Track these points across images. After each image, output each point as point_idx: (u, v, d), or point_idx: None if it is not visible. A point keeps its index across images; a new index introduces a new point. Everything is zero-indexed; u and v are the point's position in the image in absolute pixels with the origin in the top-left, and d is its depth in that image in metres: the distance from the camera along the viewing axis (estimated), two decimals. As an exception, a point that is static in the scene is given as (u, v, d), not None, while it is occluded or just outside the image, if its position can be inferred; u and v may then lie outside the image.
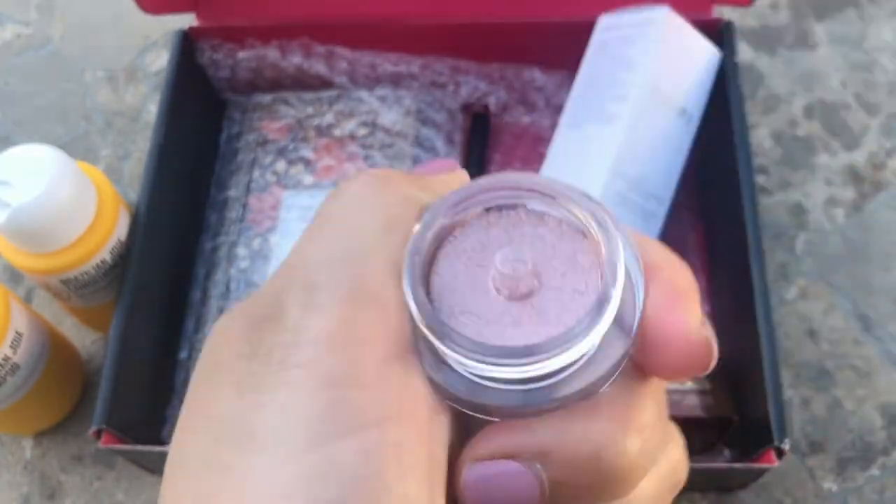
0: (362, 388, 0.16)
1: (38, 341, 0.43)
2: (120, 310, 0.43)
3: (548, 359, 0.17)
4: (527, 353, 0.17)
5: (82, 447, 0.47)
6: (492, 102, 0.54)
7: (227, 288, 0.49)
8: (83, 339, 0.50)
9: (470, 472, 0.18)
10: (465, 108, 0.54)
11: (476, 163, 0.53)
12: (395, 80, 0.54)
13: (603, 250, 0.18)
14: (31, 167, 0.39)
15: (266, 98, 0.55)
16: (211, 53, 0.53)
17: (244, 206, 0.52)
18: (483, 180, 0.19)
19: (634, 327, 0.18)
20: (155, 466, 0.45)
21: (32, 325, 0.43)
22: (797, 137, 0.54)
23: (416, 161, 0.51)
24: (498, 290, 0.18)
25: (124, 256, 0.44)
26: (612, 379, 0.18)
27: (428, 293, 0.18)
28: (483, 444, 0.18)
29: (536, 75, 0.54)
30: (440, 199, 0.19)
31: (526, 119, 0.54)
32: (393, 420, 0.16)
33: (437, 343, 0.17)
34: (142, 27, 0.60)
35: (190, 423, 0.17)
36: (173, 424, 0.45)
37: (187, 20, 0.52)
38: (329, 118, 0.54)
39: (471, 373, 0.17)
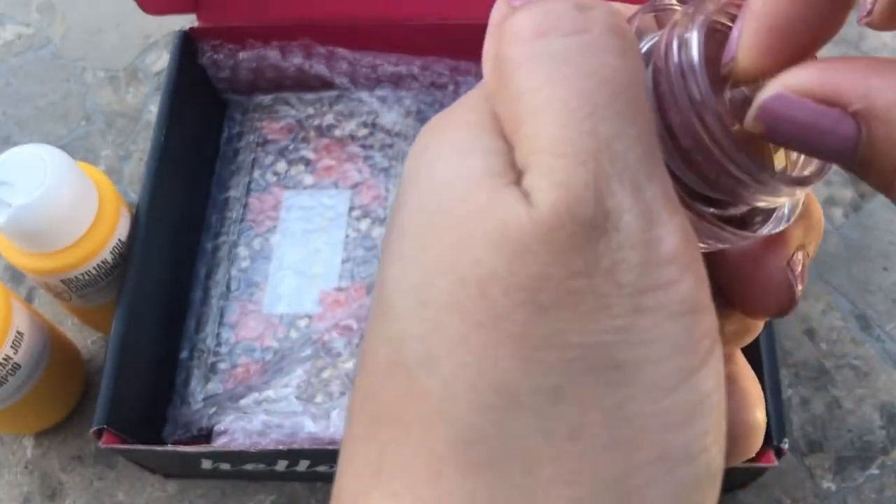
0: (707, 310, 0.15)
1: (39, 341, 0.43)
2: (121, 310, 0.43)
3: None
4: None
5: (83, 447, 0.47)
6: (492, 103, 0.54)
7: (228, 288, 0.49)
8: (84, 338, 0.50)
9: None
10: (465, 108, 0.54)
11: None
12: (396, 81, 0.54)
13: None
14: (32, 167, 0.40)
15: (267, 98, 0.55)
16: (212, 54, 0.53)
17: (245, 206, 0.52)
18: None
19: None
20: (155, 466, 0.45)
21: (33, 324, 0.43)
22: (796, 138, 0.54)
23: (416, 161, 0.51)
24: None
25: (125, 256, 0.44)
26: None
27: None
28: (784, 248, 0.19)
29: (536, 76, 0.54)
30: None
31: (526, 119, 0.54)
32: (718, 342, 0.15)
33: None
34: (143, 28, 0.60)
35: (509, 350, 0.14)
36: (174, 424, 0.46)
37: (188, 20, 0.52)
38: (329, 119, 0.54)
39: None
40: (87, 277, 0.43)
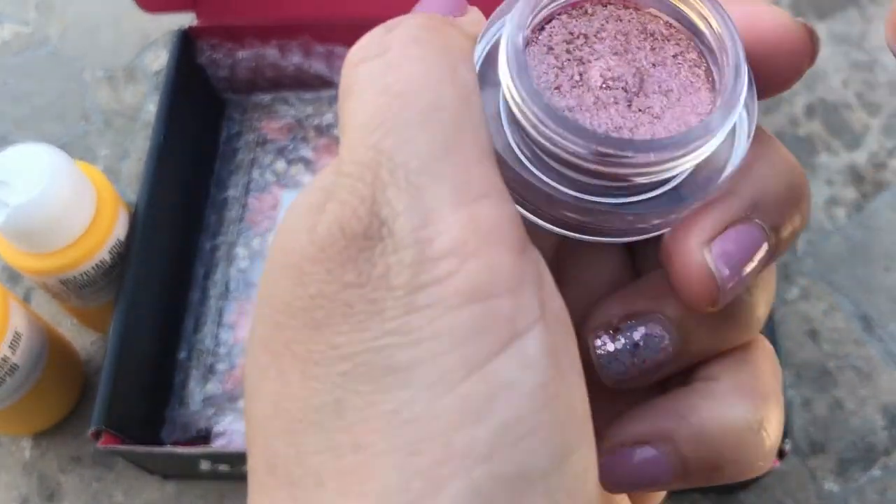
0: (506, 295, 0.14)
1: (37, 342, 0.43)
2: (119, 310, 0.43)
3: (693, 151, 0.16)
4: (674, 143, 0.16)
5: (81, 448, 0.47)
6: (492, 102, 0.54)
7: (227, 288, 0.49)
8: (82, 339, 0.50)
9: (716, 252, 0.17)
10: (466, 107, 0.54)
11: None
12: (395, 80, 0.54)
13: (724, 40, 0.17)
14: (29, 167, 0.39)
15: (266, 98, 0.55)
16: (210, 53, 0.53)
17: (243, 205, 0.51)
18: None
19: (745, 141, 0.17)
20: (154, 467, 0.45)
21: (31, 325, 0.43)
22: (798, 137, 0.54)
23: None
24: (603, 87, 0.17)
25: (123, 256, 0.44)
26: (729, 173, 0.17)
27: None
28: (703, 224, 0.17)
29: (537, 75, 0.54)
30: (511, 16, 0.17)
31: (526, 119, 0.54)
32: (541, 323, 0.14)
33: (559, 141, 0.16)
34: (141, 26, 0.60)
35: (297, 372, 0.15)
36: (172, 425, 0.45)
37: (187, 19, 0.52)
38: (329, 118, 0.54)
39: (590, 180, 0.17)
40: (85, 277, 0.43)
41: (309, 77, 0.54)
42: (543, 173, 0.17)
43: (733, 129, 0.17)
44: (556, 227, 0.18)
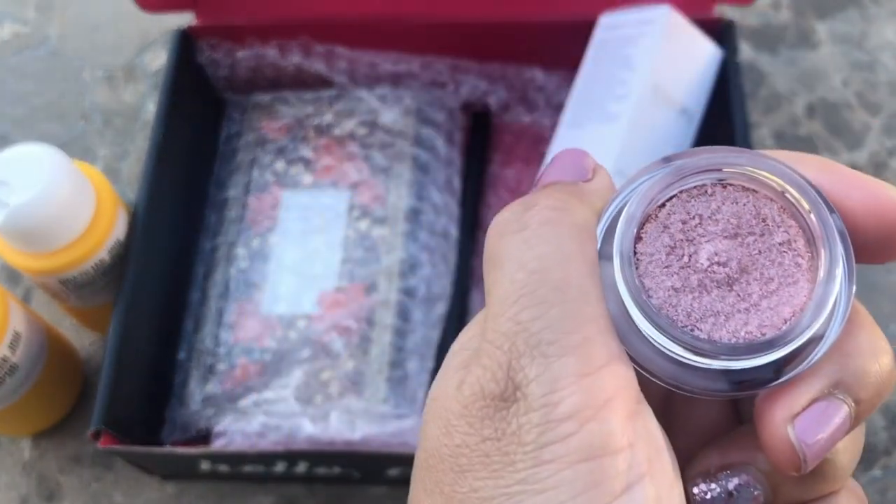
0: (617, 453, 0.17)
1: (36, 342, 0.43)
2: (118, 310, 0.43)
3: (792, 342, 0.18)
4: (771, 344, 0.18)
5: (81, 448, 0.47)
6: (492, 102, 0.54)
7: (227, 288, 0.49)
8: (82, 339, 0.50)
9: (799, 429, 0.18)
10: (466, 107, 0.54)
11: (476, 163, 0.53)
12: (395, 80, 0.54)
13: (818, 232, 0.19)
14: (28, 167, 0.39)
15: (265, 97, 0.55)
16: (210, 52, 0.52)
17: (243, 206, 0.51)
18: (676, 166, 0.20)
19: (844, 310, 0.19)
20: (154, 467, 0.45)
21: (31, 325, 0.43)
22: (799, 137, 0.54)
23: (415, 161, 0.51)
24: (709, 269, 0.19)
25: (123, 256, 0.44)
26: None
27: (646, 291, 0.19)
28: (790, 401, 0.18)
29: (537, 74, 0.53)
30: (632, 201, 0.19)
31: (526, 118, 0.54)
32: (648, 477, 0.17)
33: (674, 347, 0.18)
34: (140, 26, 0.60)
35: None
36: (172, 425, 0.45)
37: (186, 19, 0.52)
38: (329, 117, 0.53)
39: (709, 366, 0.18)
40: (84, 277, 0.43)
41: (309, 76, 0.54)
42: (653, 337, 0.19)
43: (832, 309, 0.18)
44: (664, 382, 0.19)
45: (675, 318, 0.19)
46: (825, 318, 0.18)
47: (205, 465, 0.43)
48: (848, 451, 0.20)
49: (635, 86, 0.45)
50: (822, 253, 0.18)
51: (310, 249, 0.49)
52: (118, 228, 0.43)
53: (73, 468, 0.47)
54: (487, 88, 0.54)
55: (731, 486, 0.20)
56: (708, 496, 0.20)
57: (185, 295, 0.49)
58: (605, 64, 0.48)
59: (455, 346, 0.20)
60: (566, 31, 0.51)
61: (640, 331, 0.19)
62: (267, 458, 0.41)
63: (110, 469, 0.46)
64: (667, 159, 0.20)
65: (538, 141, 0.53)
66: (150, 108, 0.57)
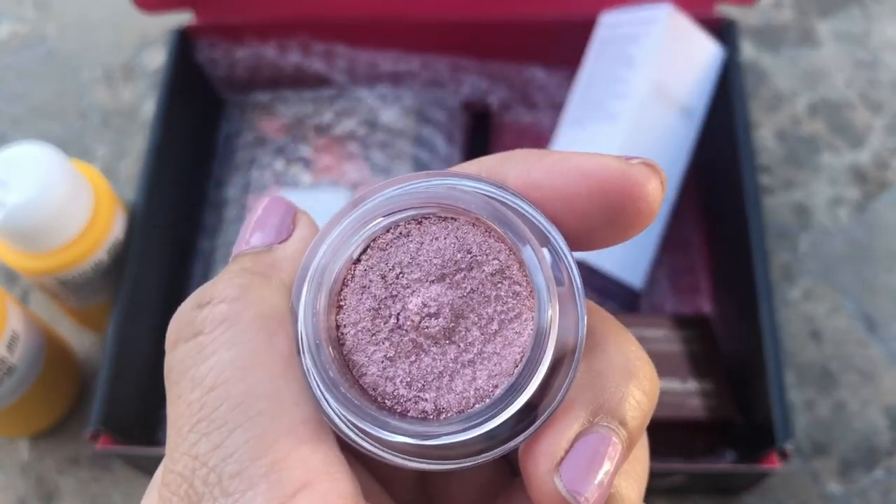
0: None
1: (34, 343, 0.43)
2: (117, 310, 0.43)
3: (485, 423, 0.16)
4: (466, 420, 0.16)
5: (79, 449, 0.47)
6: (493, 101, 0.54)
7: (226, 288, 0.49)
8: (80, 340, 0.50)
9: (566, 478, 0.16)
10: (466, 106, 0.54)
11: (476, 162, 0.53)
12: (395, 79, 0.53)
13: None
14: (26, 166, 0.39)
15: (264, 96, 0.55)
16: (209, 52, 0.52)
17: (242, 205, 0.51)
18: (360, 211, 0.16)
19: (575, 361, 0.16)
20: (152, 468, 0.45)
21: (29, 326, 0.42)
22: (801, 136, 0.54)
23: (416, 160, 0.51)
24: (421, 325, 0.16)
25: (121, 256, 0.44)
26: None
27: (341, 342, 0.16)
28: (549, 448, 0.16)
29: (538, 73, 0.53)
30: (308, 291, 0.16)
31: (527, 117, 0.54)
32: None
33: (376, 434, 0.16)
34: (139, 25, 0.60)
35: None
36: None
37: (185, 18, 0.52)
38: (328, 117, 0.53)
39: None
40: (82, 277, 0.42)
41: (308, 76, 0.53)
42: (368, 433, 0.16)
43: (564, 332, 0.16)
44: (405, 460, 0.16)
45: (395, 393, 0.16)
46: (554, 346, 0.16)
47: (204, 467, 0.43)
48: (632, 478, 0.17)
49: (636, 85, 0.45)
50: (533, 275, 0.16)
51: (309, 249, 0.49)
52: (117, 228, 0.43)
53: (72, 469, 0.46)
54: (488, 87, 0.54)
55: None
56: None
57: (183, 295, 0.49)
58: (607, 63, 0.47)
59: (151, 482, 0.17)
60: (567, 29, 0.50)
61: (356, 427, 0.16)
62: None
63: (109, 470, 0.46)
64: (356, 201, 0.17)
65: (539, 140, 0.53)
66: (149, 108, 0.57)
